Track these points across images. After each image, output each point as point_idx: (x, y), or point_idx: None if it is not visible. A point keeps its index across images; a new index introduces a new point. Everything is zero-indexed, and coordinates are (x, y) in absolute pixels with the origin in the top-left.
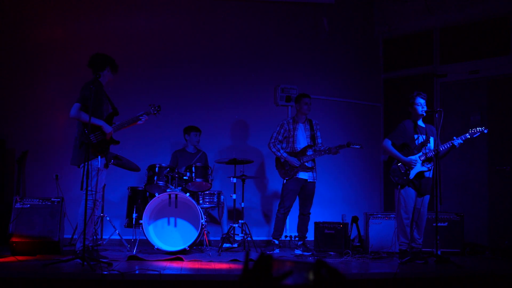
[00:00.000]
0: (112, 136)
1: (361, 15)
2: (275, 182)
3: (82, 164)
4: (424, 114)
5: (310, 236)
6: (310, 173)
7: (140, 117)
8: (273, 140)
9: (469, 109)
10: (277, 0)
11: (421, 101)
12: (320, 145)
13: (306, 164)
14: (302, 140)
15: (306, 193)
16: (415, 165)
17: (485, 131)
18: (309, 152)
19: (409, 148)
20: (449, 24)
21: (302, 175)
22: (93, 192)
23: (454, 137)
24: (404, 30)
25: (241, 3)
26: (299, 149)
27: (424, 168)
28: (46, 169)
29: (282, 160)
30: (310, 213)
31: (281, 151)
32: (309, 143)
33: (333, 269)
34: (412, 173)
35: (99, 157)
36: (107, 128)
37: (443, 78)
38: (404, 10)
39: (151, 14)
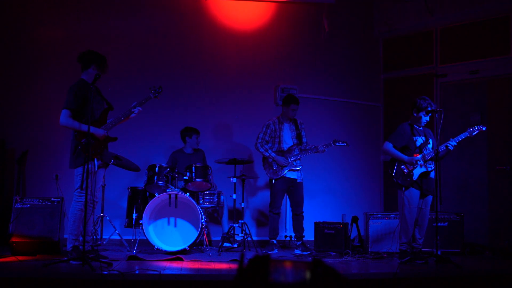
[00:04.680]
0: (107, 134)
1: (361, 15)
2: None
3: (78, 168)
4: (423, 124)
5: (310, 236)
6: (298, 173)
7: (133, 110)
8: (260, 141)
9: (469, 109)
10: (277, 0)
11: (428, 114)
12: (305, 144)
13: (294, 163)
14: (288, 139)
15: (295, 193)
16: (418, 164)
17: (484, 129)
18: (296, 151)
19: (409, 150)
20: (449, 24)
21: (291, 174)
22: (83, 194)
23: (451, 139)
24: (404, 30)
25: (241, 2)
26: (285, 149)
27: (426, 168)
28: (46, 169)
29: (270, 160)
30: (303, 212)
31: (269, 151)
32: (295, 142)
33: (329, 268)
34: (416, 174)
35: (95, 160)
36: (99, 133)
37: (443, 78)
38: (404, 10)
39: (150, 14)
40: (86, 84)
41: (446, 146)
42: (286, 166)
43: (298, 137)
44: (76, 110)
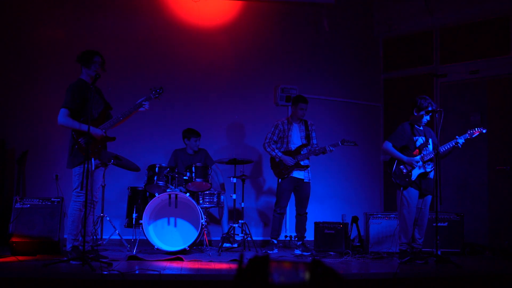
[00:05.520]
0: (106, 134)
1: (361, 15)
2: (276, 182)
3: (75, 168)
4: (424, 124)
5: (310, 236)
6: (306, 173)
7: (138, 107)
8: (267, 141)
9: (469, 109)
10: (277, 0)
11: (429, 113)
12: (316, 145)
13: (300, 162)
14: (296, 140)
15: (301, 193)
16: (416, 166)
17: (484, 131)
18: (304, 151)
19: (409, 150)
20: (449, 24)
21: (297, 174)
22: (81, 194)
23: (457, 136)
24: (404, 30)
25: (242, 3)
26: (293, 149)
27: (424, 169)
28: (46, 169)
29: (277, 159)
30: (306, 213)
31: (276, 150)
32: (304, 143)
33: (329, 269)
34: (414, 174)
35: (92, 159)
36: (96, 132)
37: (443, 78)
38: (404, 10)
39: (151, 14)
40: (84, 83)
41: (456, 142)
42: (292, 165)
43: (307, 137)
44: (75, 110)
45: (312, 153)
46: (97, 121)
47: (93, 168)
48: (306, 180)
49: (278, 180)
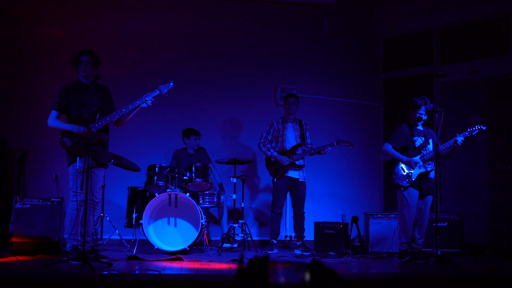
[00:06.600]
0: (90, 132)
1: (361, 15)
2: (271, 182)
3: (69, 167)
4: (421, 123)
5: (310, 236)
6: (301, 173)
7: (140, 103)
8: (262, 140)
9: (469, 109)
10: (278, 0)
11: (424, 111)
12: (310, 145)
13: (296, 162)
14: (291, 139)
15: (297, 193)
16: (415, 166)
17: (484, 128)
18: (299, 151)
19: (409, 150)
20: (449, 24)
21: (292, 173)
22: (77, 194)
23: (457, 134)
24: (404, 30)
25: (241, 3)
26: (288, 148)
27: (425, 169)
28: (46, 169)
29: (272, 159)
30: (304, 213)
31: (271, 150)
32: (299, 142)
33: (329, 269)
34: (415, 174)
35: (77, 158)
36: (78, 130)
37: (443, 78)
38: (404, 10)
39: (150, 14)
40: (79, 84)
41: (455, 140)
42: (288, 165)
43: (302, 137)
44: (62, 111)
45: (307, 153)
46: (88, 121)
47: (77, 167)
48: (301, 180)
49: (273, 180)
